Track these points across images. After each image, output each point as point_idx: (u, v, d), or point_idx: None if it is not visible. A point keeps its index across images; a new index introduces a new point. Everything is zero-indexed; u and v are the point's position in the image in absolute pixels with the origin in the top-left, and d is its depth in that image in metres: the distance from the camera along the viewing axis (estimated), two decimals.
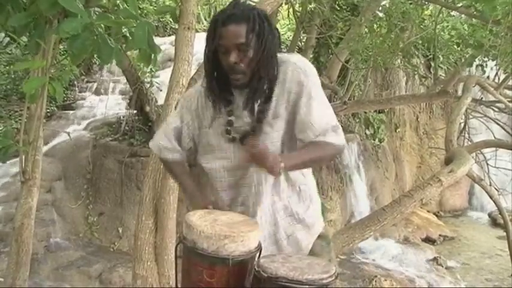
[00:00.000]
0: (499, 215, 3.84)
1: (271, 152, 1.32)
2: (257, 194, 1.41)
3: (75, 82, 6.91)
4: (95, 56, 2.08)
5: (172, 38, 5.75)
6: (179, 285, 1.30)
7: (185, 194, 1.56)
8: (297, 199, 1.48)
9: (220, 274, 1.18)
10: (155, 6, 7.16)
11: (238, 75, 1.34)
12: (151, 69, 5.44)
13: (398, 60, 5.84)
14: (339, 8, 6.00)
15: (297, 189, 1.47)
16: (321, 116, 1.36)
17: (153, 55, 2.25)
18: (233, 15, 1.30)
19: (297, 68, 1.37)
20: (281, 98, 1.37)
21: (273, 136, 1.38)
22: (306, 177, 1.51)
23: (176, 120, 1.54)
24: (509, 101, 4.16)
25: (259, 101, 1.37)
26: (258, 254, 1.25)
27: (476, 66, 4.92)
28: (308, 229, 1.50)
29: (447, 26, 4.93)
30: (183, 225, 1.26)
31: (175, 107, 2.59)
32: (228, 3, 1.38)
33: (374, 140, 7.10)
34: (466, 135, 5.37)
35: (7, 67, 6.20)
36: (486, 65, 4.86)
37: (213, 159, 1.46)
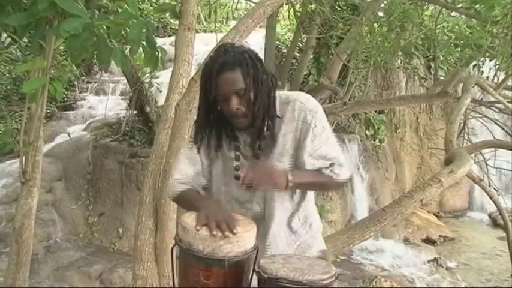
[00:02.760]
0: (499, 216, 3.84)
1: (278, 170, 1.36)
2: (264, 227, 1.45)
3: (76, 83, 6.93)
4: (94, 57, 2.08)
5: (173, 38, 5.77)
6: (176, 287, 1.30)
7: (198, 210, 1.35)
8: (297, 220, 1.52)
9: (216, 275, 1.18)
10: (155, 7, 7.16)
11: (241, 119, 1.37)
12: (153, 69, 5.44)
13: (399, 61, 5.84)
14: (339, 8, 6.00)
15: (298, 213, 1.51)
16: (326, 153, 1.42)
17: (159, 56, 2.25)
18: (226, 63, 1.30)
19: (304, 108, 1.40)
20: (288, 136, 1.41)
21: None
22: (306, 206, 1.54)
23: (189, 153, 1.50)
24: (508, 102, 4.16)
25: (260, 139, 1.41)
26: (254, 255, 1.25)
27: (473, 66, 4.92)
28: (305, 251, 1.53)
29: (447, 26, 4.93)
30: (178, 227, 1.25)
31: (175, 108, 2.60)
32: (215, 49, 1.38)
33: (374, 140, 7.11)
34: (466, 135, 5.37)
35: (7, 67, 6.21)
36: (483, 64, 4.86)
37: (221, 193, 1.49)
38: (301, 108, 1.40)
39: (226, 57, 1.31)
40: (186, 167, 1.48)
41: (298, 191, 1.48)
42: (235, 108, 1.33)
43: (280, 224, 1.48)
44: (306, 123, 1.39)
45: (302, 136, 1.40)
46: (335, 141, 1.45)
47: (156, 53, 2.33)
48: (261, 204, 1.46)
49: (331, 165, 1.42)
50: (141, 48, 2.24)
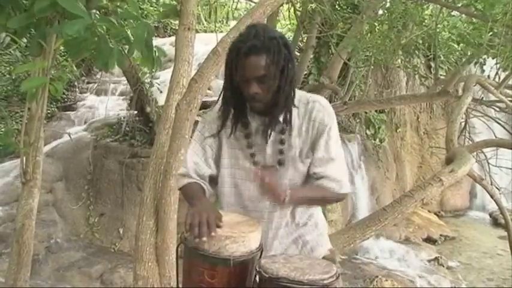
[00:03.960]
0: (500, 215, 3.83)
1: (280, 183, 1.37)
2: (268, 220, 1.48)
3: (76, 83, 6.92)
4: (94, 57, 2.08)
5: (173, 38, 5.76)
6: (180, 286, 1.30)
7: (191, 206, 1.38)
8: (303, 225, 1.54)
9: (221, 275, 1.18)
10: (156, 7, 7.17)
11: (257, 103, 1.38)
12: (151, 69, 5.44)
13: (399, 60, 5.84)
14: (339, 8, 5.99)
15: (304, 222, 1.54)
16: (333, 161, 1.43)
17: (156, 57, 2.25)
18: (254, 47, 1.29)
19: (323, 110, 1.44)
20: (309, 136, 1.44)
21: (302, 172, 1.45)
22: (314, 214, 1.57)
23: (197, 145, 1.51)
24: (509, 100, 4.15)
25: (277, 129, 1.42)
26: (259, 255, 1.25)
27: (475, 63, 4.92)
28: (310, 252, 1.55)
29: (447, 25, 4.93)
30: (184, 226, 1.25)
31: (175, 108, 2.59)
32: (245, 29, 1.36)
33: (375, 140, 7.10)
34: (467, 134, 5.36)
35: (7, 68, 6.21)
36: (485, 62, 4.85)
37: (235, 184, 1.49)
38: (320, 110, 1.43)
39: (255, 41, 1.29)
40: (191, 160, 1.50)
41: None
42: (253, 92, 1.33)
43: (284, 212, 1.49)
44: (323, 124, 1.42)
45: (317, 136, 1.42)
46: (342, 152, 1.48)
47: (154, 53, 2.33)
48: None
49: (332, 179, 1.43)
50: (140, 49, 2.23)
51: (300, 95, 1.44)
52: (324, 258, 1.54)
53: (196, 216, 1.20)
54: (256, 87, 1.33)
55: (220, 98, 1.46)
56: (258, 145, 1.45)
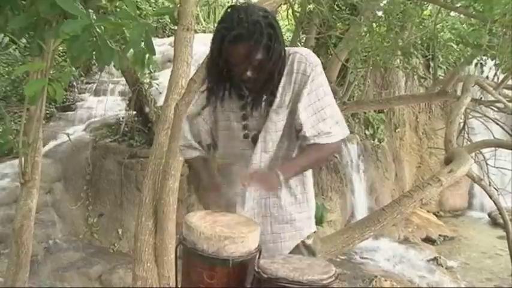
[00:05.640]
0: (499, 215, 3.84)
1: (267, 171, 1.41)
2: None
3: (75, 83, 6.91)
4: (94, 57, 2.07)
5: (172, 39, 5.75)
6: (179, 287, 1.30)
7: (201, 186, 1.55)
8: (293, 201, 1.53)
9: (220, 275, 1.18)
10: (154, 7, 7.16)
11: (250, 83, 1.40)
12: (150, 70, 5.44)
13: (398, 61, 5.84)
14: (338, 8, 6.00)
15: (295, 193, 1.53)
16: (322, 108, 1.42)
17: (148, 57, 2.24)
18: (238, 35, 1.29)
19: (304, 60, 1.41)
20: (287, 88, 1.42)
21: (278, 125, 1.44)
22: (306, 186, 1.56)
23: (193, 116, 1.57)
24: (508, 101, 4.16)
25: (266, 97, 1.44)
26: (258, 255, 1.25)
27: (475, 64, 4.92)
28: (295, 231, 1.54)
29: (447, 25, 4.93)
30: (183, 226, 1.26)
31: (174, 109, 2.60)
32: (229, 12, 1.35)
33: (373, 140, 7.11)
34: (466, 135, 5.36)
35: (6, 68, 6.20)
36: (485, 63, 4.86)
37: (229, 155, 1.53)
38: (300, 60, 1.41)
39: (240, 28, 1.29)
40: (190, 131, 1.57)
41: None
42: (245, 76, 1.36)
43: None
44: (305, 75, 1.41)
45: (299, 88, 1.41)
46: (332, 98, 1.46)
47: (150, 53, 2.32)
48: (254, 166, 1.47)
49: (320, 132, 1.41)
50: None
51: None
52: (305, 242, 1.55)
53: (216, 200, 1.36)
54: (247, 71, 1.35)
55: (207, 78, 1.48)
56: (252, 117, 1.47)
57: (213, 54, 1.38)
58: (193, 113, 1.56)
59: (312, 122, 1.41)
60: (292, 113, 1.43)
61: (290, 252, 1.51)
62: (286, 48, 1.44)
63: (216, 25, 1.38)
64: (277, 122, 1.43)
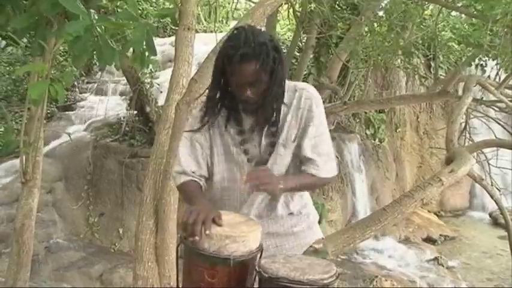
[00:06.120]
0: (500, 215, 3.83)
1: (272, 175, 1.42)
2: (265, 207, 1.53)
3: (76, 83, 6.92)
4: (95, 57, 2.07)
5: (173, 38, 5.76)
6: (180, 286, 1.30)
7: (190, 205, 1.42)
8: (295, 216, 1.58)
9: (221, 274, 1.18)
10: (155, 7, 7.17)
11: (250, 105, 1.43)
12: (151, 70, 5.44)
13: (399, 60, 5.84)
14: (339, 8, 6.00)
15: (292, 207, 1.57)
16: (321, 145, 1.49)
17: (147, 55, 2.24)
18: (246, 55, 1.31)
19: (310, 97, 1.48)
20: (294, 123, 1.48)
21: (286, 158, 1.49)
22: (302, 199, 1.61)
23: (187, 142, 1.54)
24: (510, 101, 4.15)
25: (267, 125, 1.47)
26: (259, 255, 1.25)
27: (476, 65, 4.91)
28: (299, 240, 1.58)
29: (448, 25, 4.93)
30: (181, 224, 1.26)
31: (175, 108, 2.60)
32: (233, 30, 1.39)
33: (374, 140, 7.10)
34: (467, 135, 5.36)
35: (7, 68, 6.21)
36: (486, 64, 4.85)
37: (225, 179, 1.53)
38: (307, 97, 1.48)
39: (246, 48, 1.32)
40: (187, 157, 1.51)
41: None
42: (246, 95, 1.38)
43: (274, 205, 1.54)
44: (311, 111, 1.47)
45: (306, 123, 1.47)
46: (329, 136, 1.53)
47: (151, 53, 2.32)
48: (259, 196, 1.50)
49: (320, 166, 1.48)
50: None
51: (287, 83, 1.47)
52: (313, 247, 1.57)
53: (192, 215, 1.20)
54: (248, 91, 1.37)
55: (206, 98, 1.50)
56: (251, 141, 1.49)
57: (216, 73, 1.41)
58: (191, 137, 1.53)
59: (311, 155, 1.47)
60: (298, 146, 1.49)
61: None
62: (292, 82, 1.51)
63: (221, 44, 1.41)
64: (285, 155, 1.48)
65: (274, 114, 1.45)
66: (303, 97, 1.47)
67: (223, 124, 1.49)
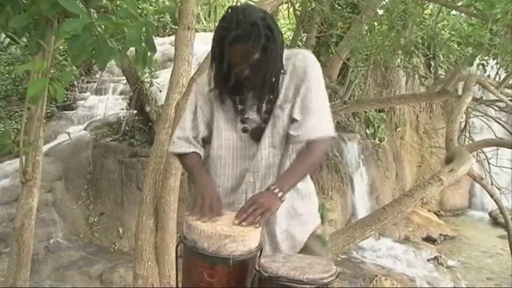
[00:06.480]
0: (500, 214, 3.84)
1: (261, 195, 1.36)
2: (263, 179, 1.48)
3: (75, 82, 6.92)
4: (94, 56, 2.07)
5: (172, 38, 5.76)
6: (180, 285, 1.30)
7: (194, 184, 1.51)
8: (296, 195, 1.53)
9: (220, 274, 1.18)
10: (155, 6, 7.16)
11: (248, 82, 1.43)
12: (151, 69, 5.44)
13: (399, 60, 5.83)
14: (339, 7, 5.99)
15: (297, 187, 1.52)
16: (314, 103, 1.46)
17: (149, 56, 2.24)
18: (237, 36, 1.33)
19: (304, 59, 1.49)
20: (290, 85, 1.47)
21: (283, 119, 1.47)
22: (305, 180, 1.56)
23: (190, 108, 1.57)
24: (509, 100, 4.16)
25: (267, 95, 1.47)
26: (258, 254, 1.24)
27: (477, 65, 4.91)
28: (303, 225, 1.55)
29: (447, 24, 4.92)
30: (184, 224, 1.26)
31: (175, 108, 2.60)
32: (229, 12, 1.38)
33: (374, 139, 7.10)
34: (467, 134, 5.36)
35: (7, 67, 6.20)
36: (487, 63, 4.85)
37: (222, 147, 1.52)
38: (301, 59, 1.48)
39: (238, 29, 1.33)
40: (189, 123, 1.54)
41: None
42: (243, 75, 1.40)
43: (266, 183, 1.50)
44: (305, 72, 1.46)
45: (299, 83, 1.46)
46: (325, 95, 1.50)
47: (147, 53, 2.32)
48: (263, 161, 1.48)
49: (303, 124, 1.44)
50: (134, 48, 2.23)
51: (284, 53, 1.47)
52: (315, 232, 1.56)
53: (200, 200, 1.27)
54: (244, 71, 1.39)
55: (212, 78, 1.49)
56: (252, 109, 1.49)
57: (213, 52, 1.42)
58: (195, 103, 1.56)
59: (301, 116, 1.45)
60: (293, 106, 1.48)
61: (306, 249, 1.53)
62: (289, 49, 1.50)
63: (216, 25, 1.42)
64: (283, 117, 1.47)
65: (274, 90, 1.45)
66: (298, 60, 1.48)
67: (226, 95, 1.49)
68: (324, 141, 1.48)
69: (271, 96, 1.47)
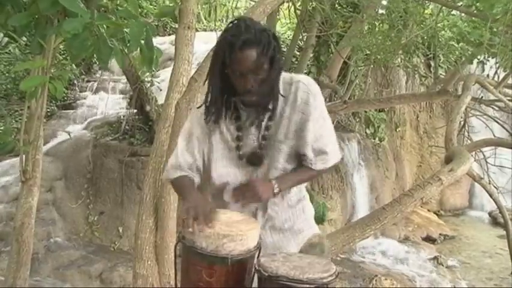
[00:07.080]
0: (499, 214, 3.84)
1: (261, 182, 1.42)
2: (266, 204, 1.49)
3: (76, 81, 6.92)
4: (95, 56, 2.07)
5: (172, 37, 5.75)
6: (179, 285, 1.30)
7: (183, 201, 1.45)
8: (287, 207, 1.54)
9: (219, 273, 1.18)
10: (155, 6, 7.16)
11: (252, 97, 1.39)
12: (150, 69, 5.43)
13: (399, 59, 5.83)
14: (339, 7, 5.99)
15: (289, 200, 1.54)
16: (322, 136, 1.46)
17: (155, 57, 2.24)
18: (248, 40, 1.30)
19: (307, 90, 1.44)
20: (292, 118, 1.44)
21: (285, 153, 1.46)
22: (300, 193, 1.59)
23: (185, 135, 1.53)
24: (508, 100, 4.15)
25: (265, 119, 1.45)
26: (257, 253, 1.25)
27: (477, 63, 4.91)
28: (295, 236, 1.55)
29: (448, 24, 4.92)
30: (182, 224, 1.26)
31: (175, 107, 2.60)
32: (235, 23, 1.37)
33: (374, 139, 7.10)
34: (466, 134, 5.36)
35: (7, 66, 6.20)
36: (487, 61, 4.85)
37: (223, 175, 1.50)
38: (304, 90, 1.43)
39: (248, 34, 1.31)
40: (183, 151, 1.50)
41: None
42: (250, 85, 1.35)
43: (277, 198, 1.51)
44: (308, 105, 1.43)
45: (304, 118, 1.43)
46: (330, 126, 1.50)
47: (153, 53, 2.32)
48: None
49: (319, 153, 1.46)
50: (138, 48, 2.23)
51: (282, 75, 1.45)
52: (310, 241, 1.56)
53: (191, 211, 1.23)
54: (251, 81, 1.35)
55: (208, 95, 1.46)
56: (249, 136, 1.47)
57: (215, 65, 1.38)
58: (189, 131, 1.52)
59: (312, 149, 1.46)
60: (297, 141, 1.46)
61: None
62: (288, 74, 1.48)
63: (220, 37, 1.38)
64: (283, 150, 1.46)
65: (272, 103, 1.42)
66: (300, 90, 1.43)
67: (222, 120, 1.47)
68: (327, 169, 1.53)
69: (271, 121, 1.44)
